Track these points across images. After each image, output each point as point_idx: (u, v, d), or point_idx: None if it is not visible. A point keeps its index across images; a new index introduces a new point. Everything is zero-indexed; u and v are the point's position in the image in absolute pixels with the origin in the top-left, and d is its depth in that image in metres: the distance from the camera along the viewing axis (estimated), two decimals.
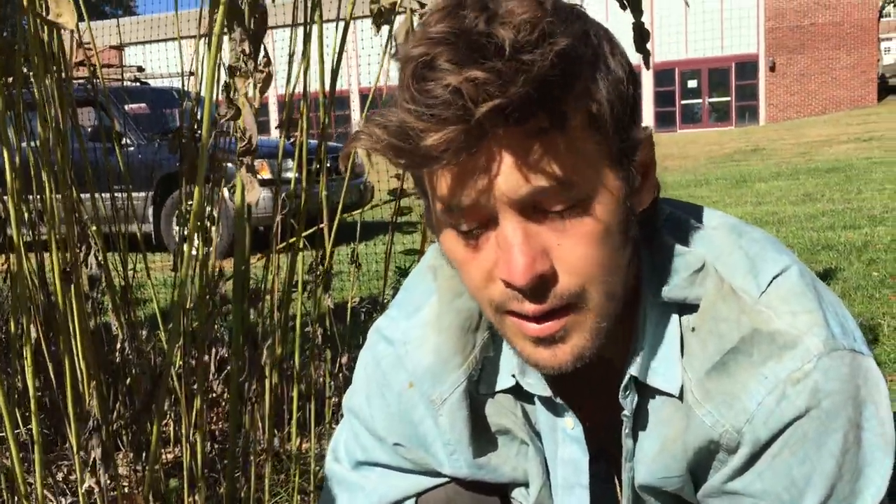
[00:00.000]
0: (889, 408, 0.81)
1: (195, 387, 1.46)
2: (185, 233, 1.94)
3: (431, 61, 0.66)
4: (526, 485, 0.96)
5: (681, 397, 0.83)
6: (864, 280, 4.43)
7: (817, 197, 8.40)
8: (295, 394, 2.00)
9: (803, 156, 13.81)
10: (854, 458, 0.78)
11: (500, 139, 0.68)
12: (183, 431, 1.54)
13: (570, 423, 0.89)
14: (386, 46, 1.81)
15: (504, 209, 0.71)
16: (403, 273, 2.37)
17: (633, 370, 0.83)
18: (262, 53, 1.19)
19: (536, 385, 0.88)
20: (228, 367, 1.85)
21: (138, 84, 8.40)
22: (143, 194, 6.32)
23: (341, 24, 1.75)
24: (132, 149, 7.13)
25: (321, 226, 1.94)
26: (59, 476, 2.09)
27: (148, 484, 1.31)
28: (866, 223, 6.39)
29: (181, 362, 1.55)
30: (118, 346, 2.04)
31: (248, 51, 1.14)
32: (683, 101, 29.21)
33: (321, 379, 2.17)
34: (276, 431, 2.02)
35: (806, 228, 6.41)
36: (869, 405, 0.79)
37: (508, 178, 0.69)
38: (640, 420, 0.87)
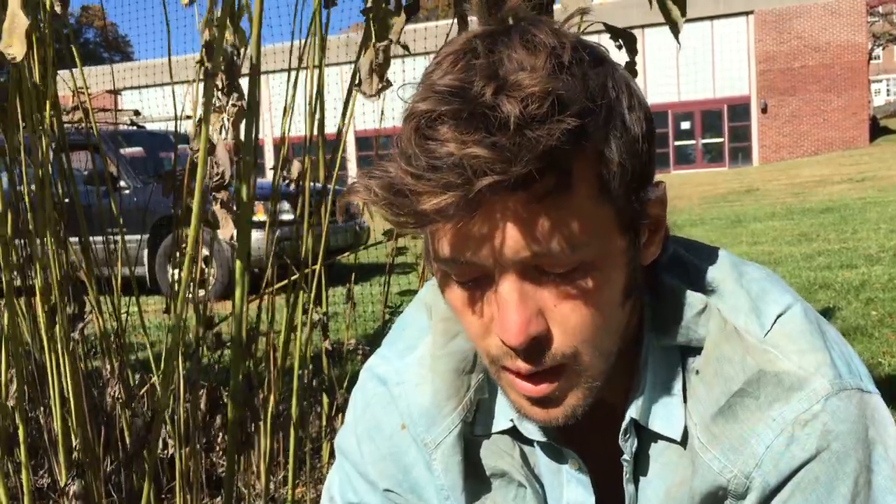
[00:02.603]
0: None
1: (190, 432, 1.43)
2: (180, 275, 1.92)
3: (435, 122, 0.64)
4: None
5: (684, 442, 0.81)
6: (863, 319, 4.42)
7: (813, 237, 8.42)
8: (292, 438, 1.97)
9: (797, 196, 13.88)
10: (865, 501, 0.76)
11: (500, 204, 0.66)
12: (177, 475, 1.51)
13: (573, 466, 0.87)
14: (351, 83, 1.80)
15: (501, 269, 0.69)
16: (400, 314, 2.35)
17: (632, 413, 0.81)
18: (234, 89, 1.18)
19: (535, 430, 0.86)
20: (222, 411, 1.82)
21: (134, 127, 8.44)
22: (138, 237, 6.31)
23: (339, 68, 1.75)
24: (127, 192, 7.14)
25: (312, 267, 1.93)
26: None
27: None
28: (863, 262, 6.40)
29: (175, 406, 1.52)
30: (109, 390, 2.01)
31: (221, 86, 1.13)
32: (677, 143, 29.43)
33: (317, 422, 2.13)
34: (271, 476, 1.98)
35: (803, 268, 6.42)
36: (878, 446, 0.77)
37: (508, 241, 0.67)
38: (641, 465, 0.84)
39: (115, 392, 2.00)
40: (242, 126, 1.47)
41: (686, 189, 17.93)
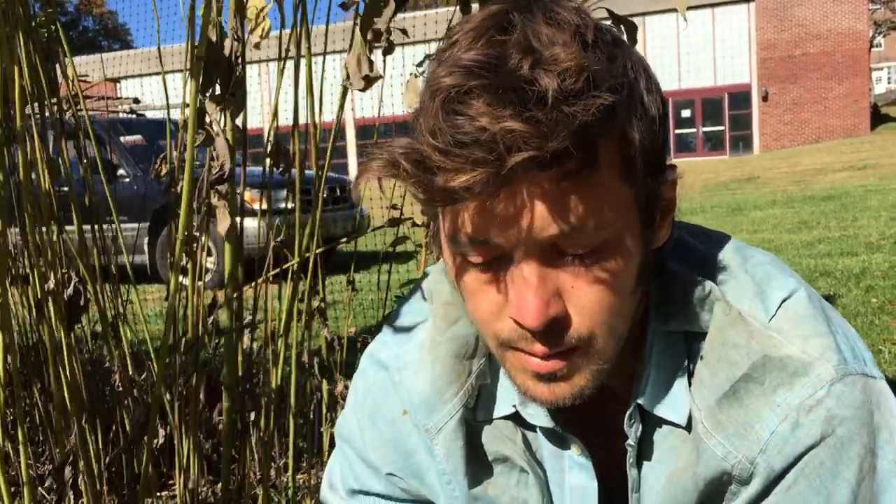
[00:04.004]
0: None
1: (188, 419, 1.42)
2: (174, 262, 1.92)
3: (465, 96, 0.62)
4: None
5: (688, 427, 0.81)
6: (864, 307, 4.42)
7: (813, 224, 8.41)
8: (291, 425, 1.97)
9: (798, 184, 13.87)
10: (869, 486, 0.75)
11: (527, 182, 0.64)
12: (177, 464, 1.50)
13: (576, 451, 0.86)
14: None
15: (522, 250, 0.68)
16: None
17: (637, 399, 0.81)
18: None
19: (538, 416, 0.86)
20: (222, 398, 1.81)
21: (134, 116, 8.42)
22: (138, 225, 6.31)
23: (336, 56, 1.74)
24: (127, 180, 7.12)
25: (311, 253, 1.92)
26: None
27: None
28: (863, 250, 6.39)
29: (174, 393, 1.52)
30: (112, 378, 2.00)
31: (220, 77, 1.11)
32: (678, 131, 29.37)
33: (317, 410, 2.13)
34: (272, 463, 1.98)
35: (803, 256, 6.41)
36: (883, 431, 0.76)
37: (531, 221, 0.66)
38: (645, 450, 0.84)
39: (115, 380, 2.00)
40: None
41: (687, 177, 17.73)
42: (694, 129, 29.52)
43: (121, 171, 7.27)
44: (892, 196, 10.23)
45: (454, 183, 0.62)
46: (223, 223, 1.06)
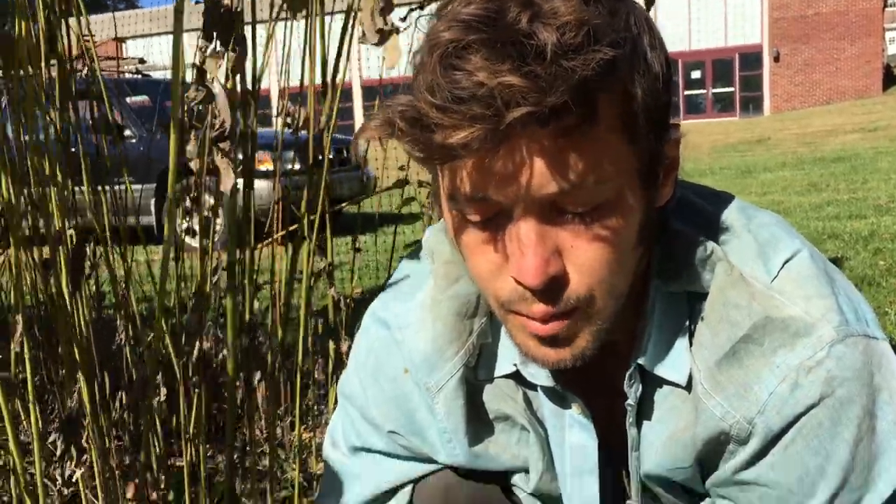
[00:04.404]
0: None
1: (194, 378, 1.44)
2: (184, 223, 1.92)
3: (463, 51, 0.62)
4: (526, 471, 0.94)
5: (688, 387, 0.81)
6: (871, 269, 4.40)
7: (823, 187, 8.36)
8: (298, 384, 1.99)
9: (808, 146, 13.76)
10: (868, 447, 0.76)
11: (526, 138, 0.64)
12: (181, 421, 1.52)
13: (577, 410, 0.87)
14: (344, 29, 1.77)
15: (521, 207, 0.68)
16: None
17: (638, 358, 0.81)
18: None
19: (539, 375, 0.86)
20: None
21: (139, 76, 8.37)
22: (144, 187, 6.31)
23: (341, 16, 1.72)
24: (133, 141, 7.12)
25: (316, 215, 1.92)
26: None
27: (142, 471, 1.29)
28: (872, 213, 6.36)
29: (180, 352, 1.53)
30: (118, 337, 2.02)
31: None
32: (687, 92, 29.11)
33: (322, 369, 2.15)
34: (278, 421, 2.00)
35: (811, 218, 6.38)
36: (883, 392, 0.76)
37: (530, 178, 0.65)
38: (645, 409, 0.84)
39: (122, 339, 2.01)
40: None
41: (696, 139, 17.78)
42: (704, 91, 29.25)
43: (127, 132, 7.26)
44: None
45: (452, 140, 0.61)
46: (226, 181, 1.06)
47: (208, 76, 1.09)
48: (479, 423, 0.91)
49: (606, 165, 0.67)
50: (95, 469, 1.38)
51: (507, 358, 0.88)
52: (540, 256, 0.68)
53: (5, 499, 1.68)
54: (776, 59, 27.63)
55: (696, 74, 28.98)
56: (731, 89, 28.94)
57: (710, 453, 0.81)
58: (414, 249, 0.99)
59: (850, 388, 0.75)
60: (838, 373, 0.74)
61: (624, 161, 0.69)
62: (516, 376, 0.88)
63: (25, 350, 1.39)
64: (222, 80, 1.13)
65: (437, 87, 0.62)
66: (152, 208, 6.74)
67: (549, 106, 0.61)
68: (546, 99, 0.60)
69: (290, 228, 1.89)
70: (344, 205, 2.01)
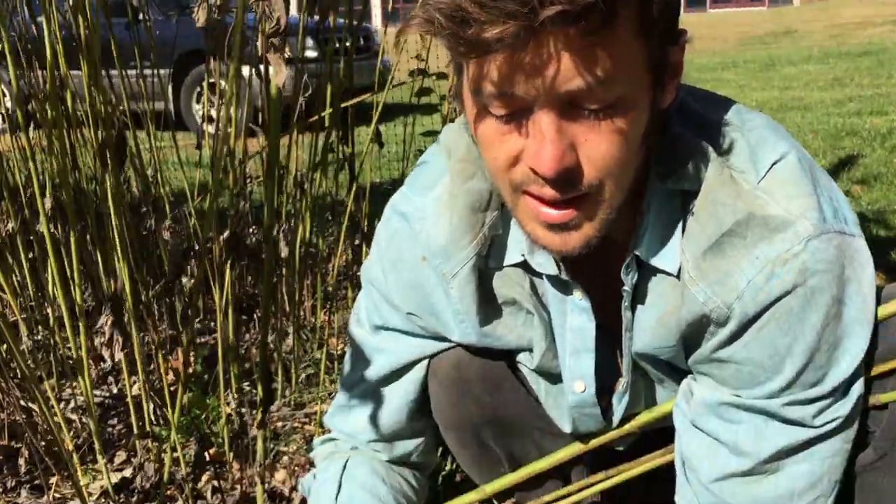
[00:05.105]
0: (873, 287, 0.86)
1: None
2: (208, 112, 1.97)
3: None
4: (530, 350, 1.03)
5: (678, 276, 0.89)
6: (885, 167, 4.41)
7: (846, 82, 8.21)
8: (319, 269, 2.09)
9: (836, 38, 13.39)
10: (834, 330, 0.84)
11: (553, 36, 0.69)
12: (217, 304, 1.63)
13: (578, 296, 0.96)
14: None
15: (543, 102, 0.73)
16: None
17: (636, 250, 0.89)
18: None
19: (545, 264, 0.94)
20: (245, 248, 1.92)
21: None
22: (162, 72, 6.29)
23: None
24: (150, 24, 7.04)
25: (344, 105, 1.97)
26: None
27: (187, 344, 1.40)
28: (893, 110, 6.28)
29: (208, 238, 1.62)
30: (147, 221, 2.11)
31: None
32: None
33: (344, 256, 2.25)
34: (301, 304, 2.12)
35: (832, 114, 6.31)
36: (853, 283, 0.84)
37: (554, 74, 0.71)
38: (639, 295, 0.93)
39: (151, 223, 2.10)
40: None
41: (722, 30, 17.31)
42: None
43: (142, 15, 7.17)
44: None
45: (487, 34, 0.67)
46: (279, 76, 1.10)
47: None
48: (489, 307, 1.00)
49: (625, 66, 0.73)
50: (135, 344, 1.50)
51: (515, 248, 0.97)
52: (558, 148, 0.75)
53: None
54: None
55: None
56: None
57: (693, 334, 0.91)
58: (430, 147, 1.06)
59: (821, 278, 0.83)
60: (812, 265, 0.82)
61: (639, 63, 0.75)
62: (524, 265, 0.97)
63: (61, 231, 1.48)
64: None
65: None
66: (169, 94, 6.73)
67: (582, 4, 0.66)
68: None
69: (313, 119, 1.94)
70: (365, 97, 2.06)
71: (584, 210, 0.80)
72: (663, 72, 0.80)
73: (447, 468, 1.59)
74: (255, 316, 2.29)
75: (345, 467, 1.11)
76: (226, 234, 1.44)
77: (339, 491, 1.09)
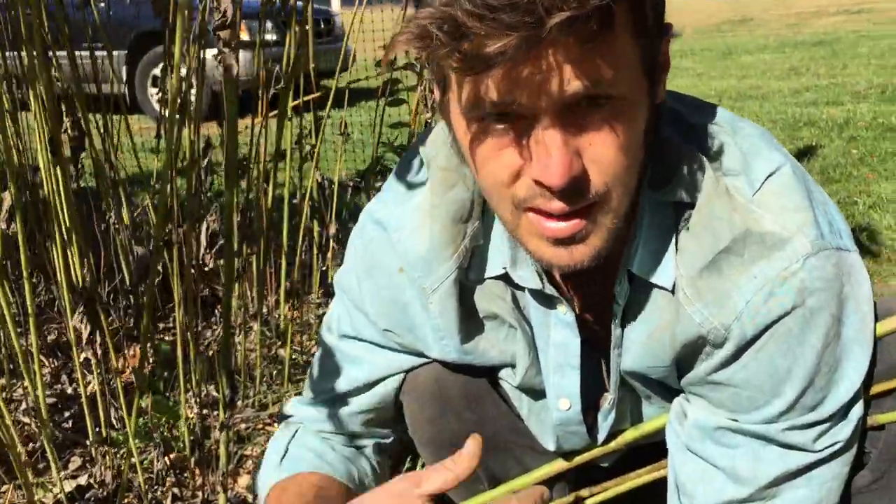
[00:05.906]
0: (871, 304, 0.84)
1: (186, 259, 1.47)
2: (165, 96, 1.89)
3: None
4: (513, 366, 0.99)
5: (672, 291, 0.86)
6: (844, 157, 4.46)
7: (802, 71, 8.32)
8: (283, 263, 2.03)
9: (792, 27, 13.58)
10: (833, 351, 0.82)
11: (553, 43, 0.65)
12: (176, 299, 1.57)
13: (562, 310, 0.92)
14: None
15: (544, 110, 0.70)
16: (391, 148, 2.35)
17: (628, 263, 0.85)
18: None
19: (527, 277, 0.90)
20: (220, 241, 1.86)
21: None
22: (116, 53, 6.13)
23: None
24: (102, 4, 6.84)
25: (312, 97, 1.91)
26: (50, 339, 2.14)
27: (143, 341, 1.35)
28: (849, 100, 6.37)
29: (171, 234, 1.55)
30: (106, 214, 2.03)
31: None
32: None
33: (308, 250, 2.19)
34: (265, 299, 2.05)
35: (789, 104, 6.38)
36: (851, 301, 0.82)
37: (555, 81, 0.67)
38: (629, 310, 0.89)
39: (112, 218, 2.02)
40: None
41: (679, 18, 17.31)
42: None
43: None
44: (883, 43, 10.06)
45: (488, 49, 0.63)
46: (231, 69, 1.04)
47: None
48: (470, 322, 0.96)
49: (623, 65, 0.70)
50: (96, 341, 1.43)
51: (497, 260, 0.92)
52: (565, 156, 0.71)
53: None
54: None
55: None
56: None
57: (688, 355, 0.87)
58: (406, 152, 1.01)
59: (820, 297, 0.80)
60: (810, 284, 0.80)
61: (635, 62, 0.72)
62: (505, 278, 0.93)
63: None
64: None
65: None
66: (124, 76, 6.56)
67: (591, 9, 0.62)
68: (589, 2, 0.62)
69: (292, 105, 1.88)
70: (325, 81, 2.00)
71: (592, 220, 0.76)
72: (656, 67, 0.77)
73: None
74: (216, 311, 2.22)
75: (294, 434, 1.09)
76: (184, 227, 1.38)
77: (284, 455, 1.06)
